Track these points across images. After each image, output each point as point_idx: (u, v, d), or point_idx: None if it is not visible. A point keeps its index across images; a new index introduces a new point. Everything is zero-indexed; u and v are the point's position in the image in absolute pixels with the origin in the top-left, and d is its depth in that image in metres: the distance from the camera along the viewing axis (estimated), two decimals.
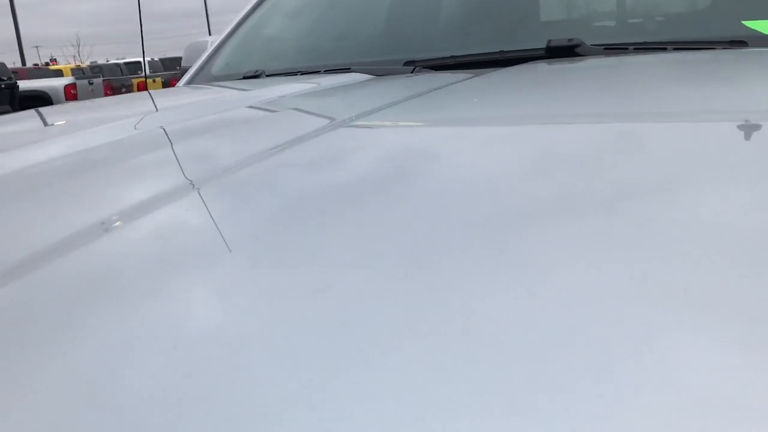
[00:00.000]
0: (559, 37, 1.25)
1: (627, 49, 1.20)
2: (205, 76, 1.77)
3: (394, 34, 1.55)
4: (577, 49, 1.22)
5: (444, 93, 0.93)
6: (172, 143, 0.81)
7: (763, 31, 1.15)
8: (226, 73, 1.71)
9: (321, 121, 0.87)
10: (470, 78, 1.04)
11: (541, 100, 0.86)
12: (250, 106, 1.04)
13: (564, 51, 1.23)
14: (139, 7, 1.60)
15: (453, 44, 1.41)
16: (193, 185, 0.57)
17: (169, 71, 21.01)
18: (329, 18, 1.72)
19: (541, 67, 1.15)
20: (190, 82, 1.80)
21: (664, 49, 1.17)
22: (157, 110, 1.17)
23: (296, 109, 1.00)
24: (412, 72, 1.31)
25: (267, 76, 1.54)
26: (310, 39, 1.68)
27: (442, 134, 0.71)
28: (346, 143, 0.70)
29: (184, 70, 2.12)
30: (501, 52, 1.29)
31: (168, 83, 19.00)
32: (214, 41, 2.00)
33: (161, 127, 0.91)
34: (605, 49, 1.22)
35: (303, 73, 1.47)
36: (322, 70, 1.44)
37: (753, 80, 0.91)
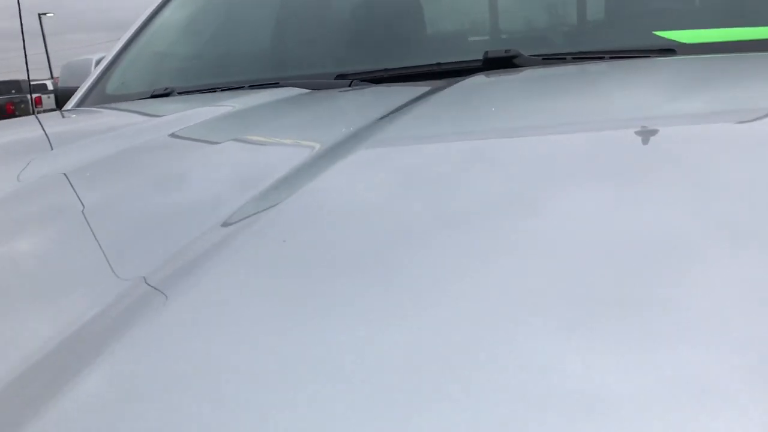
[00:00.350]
0: (495, 48, 1.24)
1: (565, 59, 1.21)
2: (97, 97, 1.60)
3: (320, 45, 1.48)
4: (515, 60, 1.22)
5: (426, 108, 0.87)
6: (84, 204, 0.61)
7: (687, 41, 1.21)
8: (124, 93, 1.55)
9: (296, 153, 0.74)
10: (434, 92, 0.99)
11: (534, 112, 0.83)
12: (174, 135, 0.89)
13: (502, 62, 1.22)
14: (21, 27, 1.42)
15: (384, 56, 1.36)
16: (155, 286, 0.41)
17: (3, 95, 19.45)
18: (243, 28, 1.60)
19: (503, 78, 1.13)
20: (80, 104, 1.62)
21: (601, 58, 1.19)
22: (52, 147, 0.99)
23: (245, 140, 0.88)
24: (349, 86, 1.25)
25: (179, 93, 1.41)
26: (224, 52, 1.56)
27: (478, 159, 0.63)
28: (358, 179, 0.59)
29: (65, 92, 1.91)
30: (438, 64, 1.26)
31: (4, 108, 17.49)
32: (101, 58, 1.82)
33: (64, 173, 0.73)
34: (543, 59, 1.22)
35: (223, 90, 1.36)
36: (246, 86, 1.33)
37: (681, 86, 0.97)
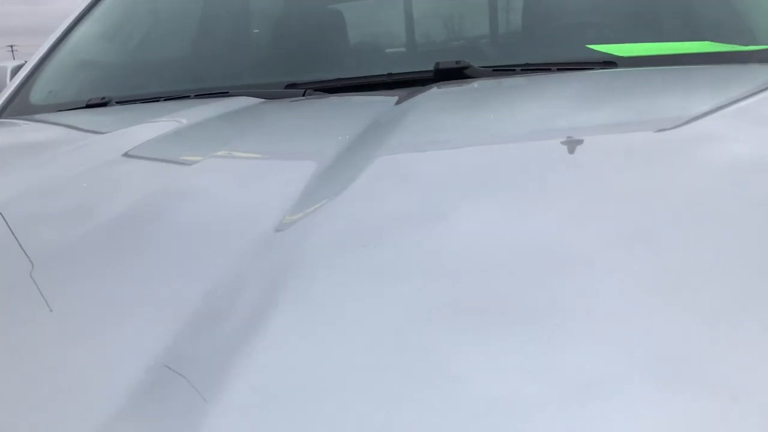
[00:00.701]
0: (445, 60, 1.26)
1: (514, 70, 1.24)
2: (20, 107, 1.49)
3: (265, 54, 1.45)
4: (466, 71, 1.24)
5: (414, 116, 0.87)
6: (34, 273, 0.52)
7: (627, 54, 1.28)
8: (53, 102, 1.46)
9: (305, 164, 0.70)
10: (405, 101, 1.00)
11: (520, 120, 0.86)
12: (128, 154, 0.84)
13: (453, 73, 1.23)
14: None
15: (331, 66, 1.36)
16: None
17: None
18: (182, 33, 1.54)
19: (465, 88, 1.15)
20: None
21: (548, 70, 1.23)
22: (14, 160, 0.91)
23: (236, 153, 0.83)
24: (303, 95, 1.23)
25: (117, 103, 1.34)
26: (162, 58, 1.48)
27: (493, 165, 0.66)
28: (398, 185, 0.60)
29: None
30: (389, 74, 1.26)
31: None
32: (19, 65, 1.71)
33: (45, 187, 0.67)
34: (493, 70, 1.25)
35: (167, 99, 1.30)
36: (192, 95, 1.28)
37: (622, 97, 1.03)
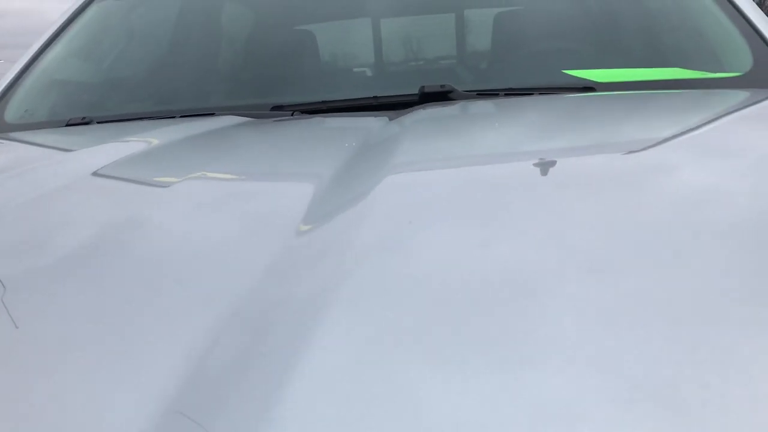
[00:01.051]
0: (430, 83, 1.28)
1: (497, 94, 1.27)
2: None
3: (252, 75, 1.45)
4: (450, 95, 1.26)
5: (409, 136, 0.89)
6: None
7: (605, 80, 1.32)
8: (30, 121, 1.43)
9: (310, 183, 0.71)
10: (396, 121, 1.01)
11: (513, 140, 0.88)
12: (109, 175, 0.82)
13: (437, 96, 1.25)
14: None
15: (318, 88, 1.37)
16: None
17: None
18: (167, 54, 1.53)
19: (451, 110, 1.17)
20: None
21: (530, 94, 1.26)
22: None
23: (230, 171, 0.83)
24: (291, 116, 1.24)
25: (98, 123, 1.32)
26: (146, 79, 1.47)
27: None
28: (417, 201, 0.61)
29: None
30: (375, 97, 1.28)
31: None
32: None
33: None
34: (477, 94, 1.28)
35: (151, 119, 1.29)
36: (177, 116, 1.28)
37: (599, 120, 1.08)
